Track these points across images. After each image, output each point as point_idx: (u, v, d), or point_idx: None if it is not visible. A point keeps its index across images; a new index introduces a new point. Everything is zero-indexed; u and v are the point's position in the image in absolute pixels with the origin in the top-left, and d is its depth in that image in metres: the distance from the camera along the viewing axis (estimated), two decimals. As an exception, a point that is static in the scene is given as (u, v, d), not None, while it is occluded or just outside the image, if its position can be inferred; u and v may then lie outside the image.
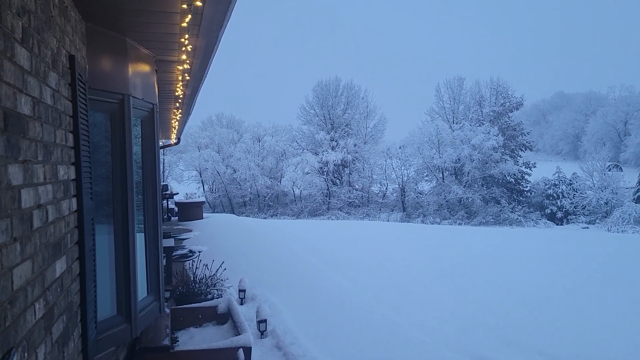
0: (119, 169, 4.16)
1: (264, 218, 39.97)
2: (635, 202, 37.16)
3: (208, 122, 53.23)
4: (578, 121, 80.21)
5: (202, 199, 19.12)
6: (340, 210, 43.02)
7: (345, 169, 45.65)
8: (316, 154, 45.68)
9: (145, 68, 4.65)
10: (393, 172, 45.07)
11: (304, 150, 47.57)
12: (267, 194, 46.01)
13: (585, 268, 13.89)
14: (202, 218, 17.80)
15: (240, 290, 8.27)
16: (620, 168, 53.76)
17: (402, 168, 44.64)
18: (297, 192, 46.24)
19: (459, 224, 38.51)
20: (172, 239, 9.12)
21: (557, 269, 13.68)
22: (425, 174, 44.57)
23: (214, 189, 47.56)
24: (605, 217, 37.62)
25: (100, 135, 4.05)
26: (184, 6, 3.48)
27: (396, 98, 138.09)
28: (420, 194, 43.77)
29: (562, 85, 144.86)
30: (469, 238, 19.89)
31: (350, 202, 44.15)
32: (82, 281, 3.07)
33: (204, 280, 7.47)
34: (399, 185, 44.47)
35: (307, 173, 44.47)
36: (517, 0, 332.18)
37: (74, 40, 3.20)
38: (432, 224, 37.30)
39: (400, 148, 45.08)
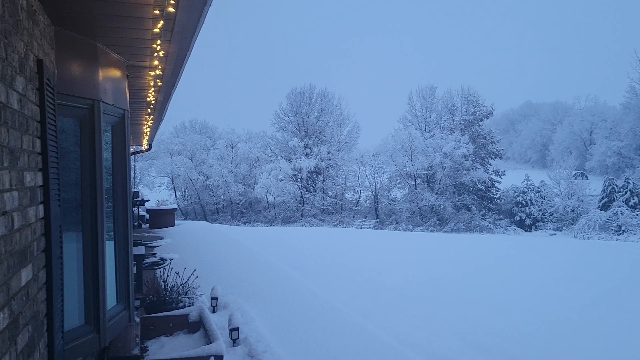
0: (88, 175, 4.09)
1: (237, 225, 39.65)
2: (600, 210, 38.25)
3: (181, 128, 52.73)
4: (546, 130, 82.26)
5: (174, 205, 18.83)
6: (314, 217, 43.02)
7: (319, 176, 45.71)
8: (290, 160, 45.62)
9: (116, 73, 4.60)
10: (366, 180, 45.40)
11: (278, 157, 47.50)
12: (240, 201, 45.69)
13: (553, 274, 14.23)
14: (174, 225, 17.54)
15: (212, 298, 8.17)
16: (586, 176, 55.22)
17: (375, 175, 45.01)
18: (270, 199, 46.06)
19: (431, 230, 38.95)
20: (143, 247, 9.00)
21: (527, 274, 13.99)
22: (398, 182, 44.99)
23: (186, 195, 47.00)
24: (572, 224, 38.57)
25: (69, 141, 3.98)
26: (156, 12, 3.47)
27: (370, 106, 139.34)
28: (393, 201, 44.12)
29: (531, 95, 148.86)
30: (440, 245, 20.17)
31: (323, 209, 44.19)
32: (48, 290, 3.01)
33: (175, 289, 7.36)
34: (372, 192, 44.76)
35: (281, 180, 44.37)
36: (489, 12, 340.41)
37: (42, 45, 3.15)
38: (405, 230, 37.65)
39: (373, 155, 45.42)
